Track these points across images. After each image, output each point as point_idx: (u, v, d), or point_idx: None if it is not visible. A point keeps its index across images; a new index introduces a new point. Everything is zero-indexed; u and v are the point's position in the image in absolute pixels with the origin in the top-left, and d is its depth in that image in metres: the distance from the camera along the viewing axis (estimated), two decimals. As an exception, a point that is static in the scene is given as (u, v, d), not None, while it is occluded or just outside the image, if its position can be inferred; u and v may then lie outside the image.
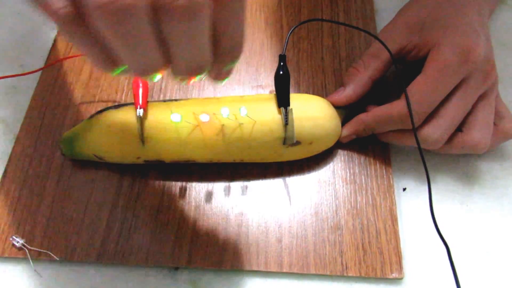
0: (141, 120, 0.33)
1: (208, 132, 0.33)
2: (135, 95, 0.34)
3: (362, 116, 0.36)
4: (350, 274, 0.32)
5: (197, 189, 0.36)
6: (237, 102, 0.34)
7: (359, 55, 0.42)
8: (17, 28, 0.46)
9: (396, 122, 0.34)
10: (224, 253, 0.33)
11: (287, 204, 0.35)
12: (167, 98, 0.41)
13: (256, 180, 0.36)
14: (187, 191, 0.36)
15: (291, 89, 0.36)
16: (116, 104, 0.37)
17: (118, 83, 0.41)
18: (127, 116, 0.34)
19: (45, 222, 0.35)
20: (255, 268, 0.33)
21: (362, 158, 0.37)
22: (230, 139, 0.33)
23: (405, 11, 0.37)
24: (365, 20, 0.45)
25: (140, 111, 0.33)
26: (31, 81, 0.41)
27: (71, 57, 0.42)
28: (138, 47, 0.20)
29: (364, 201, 0.35)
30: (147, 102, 0.35)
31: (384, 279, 0.33)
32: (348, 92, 0.36)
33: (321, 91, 0.41)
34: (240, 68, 0.42)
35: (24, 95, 0.41)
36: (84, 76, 0.42)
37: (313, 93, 0.40)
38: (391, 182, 0.36)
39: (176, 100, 0.36)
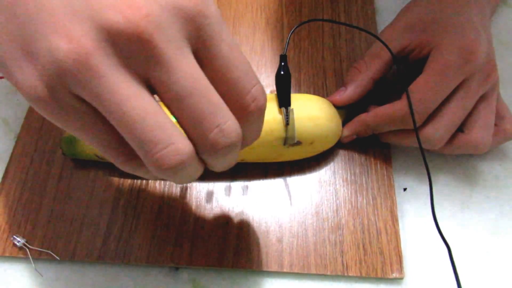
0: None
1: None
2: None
3: (363, 116, 0.36)
4: (350, 274, 0.32)
5: (197, 189, 0.36)
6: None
7: (360, 55, 0.42)
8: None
9: (397, 122, 0.34)
10: (225, 253, 0.33)
11: (287, 204, 0.35)
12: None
13: (257, 180, 0.36)
14: (188, 191, 0.36)
15: (292, 89, 0.36)
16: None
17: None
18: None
19: (46, 221, 0.35)
20: (255, 268, 0.33)
21: (363, 158, 0.37)
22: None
23: (406, 11, 0.37)
24: (366, 20, 0.45)
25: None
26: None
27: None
28: (183, 179, 0.22)
29: (364, 201, 0.35)
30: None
31: (384, 279, 0.33)
32: (349, 92, 0.36)
33: (322, 91, 0.41)
34: (241, 68, 0.42)
35: (25, 95, 0.41)
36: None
37: (314, 93, 0.40)
38: (392, 182, 0.36)
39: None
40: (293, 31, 0.36)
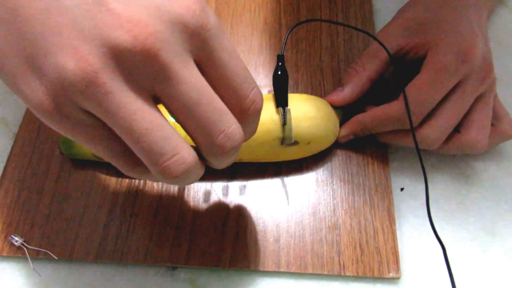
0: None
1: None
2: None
3: (360, 117, 0.36)
4: (347, 274, 0.32)
5: (195, 189, 0.36)
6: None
7: (357, 55, 0.42)
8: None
9: (394, 122, 0.34)
10: (222, 253, 0.33)
11: (285, 204, 0.35)
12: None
13: (254, 180, 0.37)
14: (186, 191, 0.36)
15: (289, 89, 0.36)
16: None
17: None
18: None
19: (44, 221, 0.35)
20: (253, 268, 0.33)
21: (360, 158, 0.37)
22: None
23: (403, 12, 0.37)
24: (363, 20, 0.45)
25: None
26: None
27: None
28: (186, 183, 0.23)
29: (361, 201, 0.35)
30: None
31: (381, 278, 0.33)
32: (346, 92, 0.36)
33: (320, 91, 0.41)
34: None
35: (23, 95, 0.41)
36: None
37: (312, 93, 0.40)
38: (389, 182, 0.36)
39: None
40: (290, 31, 0.36)
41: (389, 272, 0.33)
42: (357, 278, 0.33)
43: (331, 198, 0.36)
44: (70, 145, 0.36)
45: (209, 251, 0.33)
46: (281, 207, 0.35)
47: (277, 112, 0.33)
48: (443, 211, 0.36)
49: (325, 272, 0.33)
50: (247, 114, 0.23)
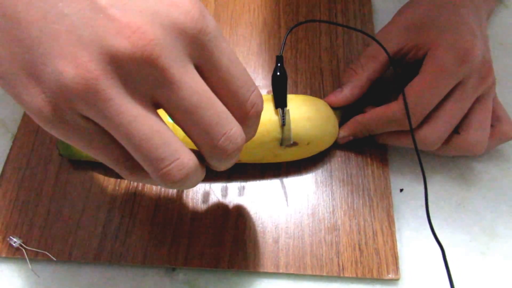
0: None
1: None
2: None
3: (359, 117, 0.36)
4: (346, 275, 0.32)
5: (194, 190, 0.36)
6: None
7: (357, 56, 0.42)
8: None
9: (393, 123, 0.34)
10: (221, 254, 0.33)
11: (284, 205, 0.35)
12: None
13: (253, 181, 0.36)
14: (184, 192, 0.36)
15: (288, 90, 0.36)
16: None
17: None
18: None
19: (42, 222, 0.35)
20: (251, 269, 0.33)
21: (359, 159, 0.37)
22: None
23: (403, 13, 0.37)
24: (363, 21, 0.45)
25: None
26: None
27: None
28: (187, 187, 0.23)
29: (361, 202, 0.35)
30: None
31: (380, 280, 0.33)
32: (345, 93, 0.36)
33: (319, 92, 0.41)
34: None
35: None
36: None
37: (311, 94, 0.40)
38: (388, 183, 0.36)
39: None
40: (289, 32, 0.36)
41: (388, 273, 0.32)
42: (356, 279, 0.33)
43: (330, 199, 0.36)
44: (68, 146, 0.36)
45: (208, 252, 0.33)
46: (280, 208, 0.35)
47: (276, 113, 0.33)
48: (442, 212, 0.36)
49: (324, 273, 0.33)
50: (247, 117, 0.23)
